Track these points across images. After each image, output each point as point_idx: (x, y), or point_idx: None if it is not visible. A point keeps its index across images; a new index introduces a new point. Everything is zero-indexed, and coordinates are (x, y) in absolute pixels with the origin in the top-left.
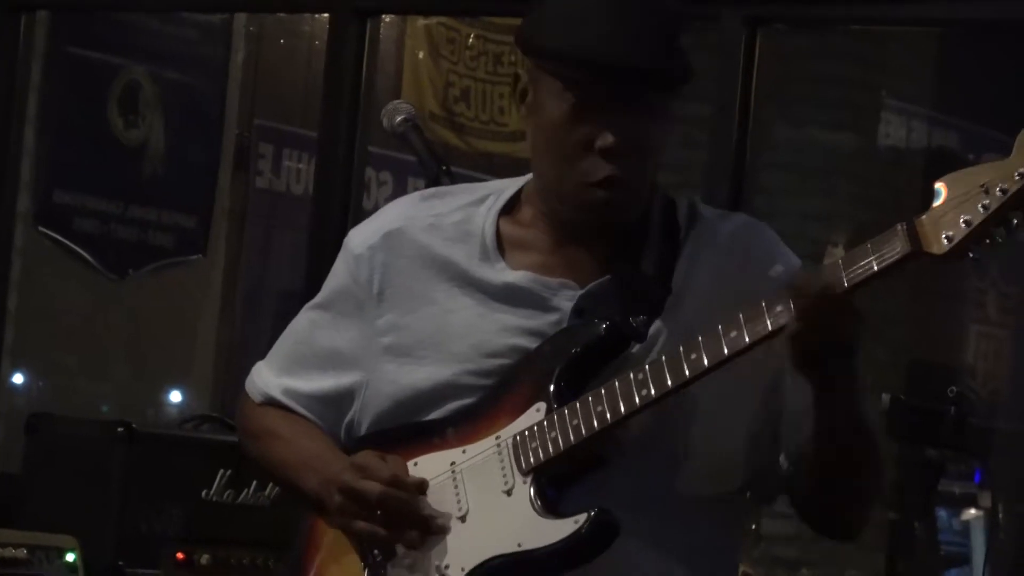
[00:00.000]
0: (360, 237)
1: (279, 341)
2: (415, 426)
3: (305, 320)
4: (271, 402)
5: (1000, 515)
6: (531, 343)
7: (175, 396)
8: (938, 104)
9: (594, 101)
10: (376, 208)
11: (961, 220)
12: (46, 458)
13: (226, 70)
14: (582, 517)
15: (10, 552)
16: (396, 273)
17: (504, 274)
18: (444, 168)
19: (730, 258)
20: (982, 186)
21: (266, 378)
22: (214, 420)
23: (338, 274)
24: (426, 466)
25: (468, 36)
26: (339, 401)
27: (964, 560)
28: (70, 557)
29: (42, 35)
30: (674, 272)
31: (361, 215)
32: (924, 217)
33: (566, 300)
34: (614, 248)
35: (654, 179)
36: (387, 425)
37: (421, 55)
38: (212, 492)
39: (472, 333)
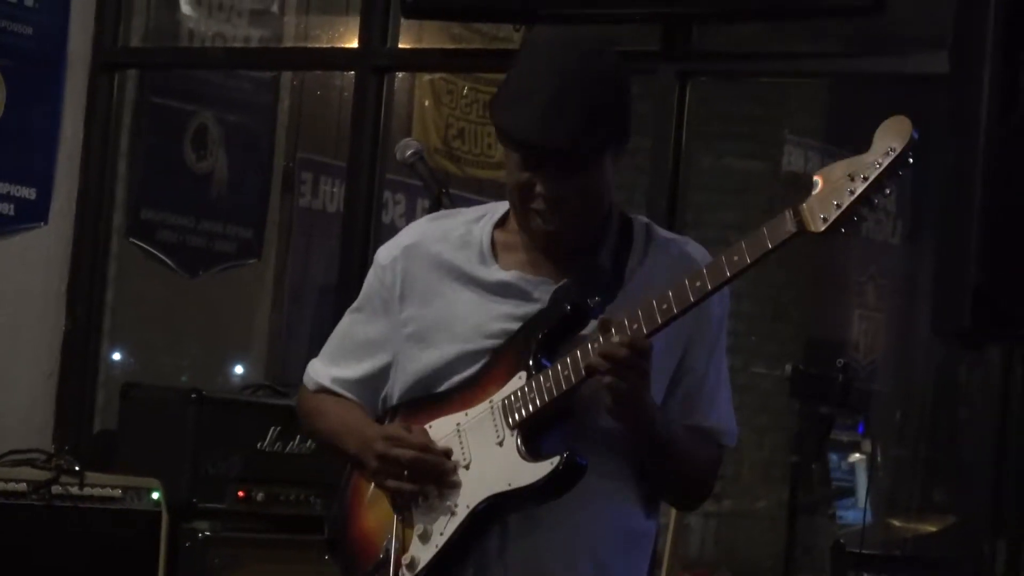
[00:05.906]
0: (385, 251)
1: (329, 340)
2: (431, 397)
3: (346, 321)
4: (323, 389)
5: (878, 457)
6: (517, 326)
7: (238, 369)
8: (828, 138)
9: (530, 164)
10: (392, 222)
11: (834, 203)
12: (136, 417)
13: (275, 114)
14: (556, 459)
15: (108, 491)
16: (414, 277)
17: (497, 273)
18: (444, 191)
19: (680, 266)
20: (849, 175)
21: (318, 370)
22: (267, 388)
23: (370, 282)
24: (438, 428)
25: (463, 88)
26: (375, 381)
27: (851, 492)
28: (155, 495)
29: (132, 88)
30: (626, 269)
31: (381, 228)
32: (805, 204)
33: (544, 293)
34: (579, 250)
35: (600, 207)
36: (411, 397)
37: (427, 103)
38: (265, 443)
39: (472, 318)
